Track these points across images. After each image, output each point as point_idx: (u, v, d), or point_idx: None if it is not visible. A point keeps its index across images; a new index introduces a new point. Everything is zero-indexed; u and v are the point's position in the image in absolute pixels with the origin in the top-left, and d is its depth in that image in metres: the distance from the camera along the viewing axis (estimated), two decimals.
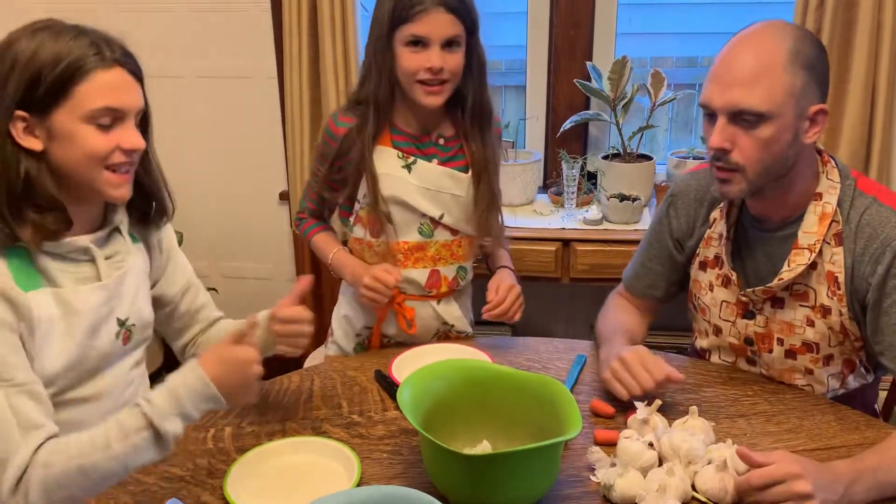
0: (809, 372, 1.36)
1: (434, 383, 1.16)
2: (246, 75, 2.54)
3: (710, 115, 1.25)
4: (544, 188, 2.52)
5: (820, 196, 1.29)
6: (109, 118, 1.06)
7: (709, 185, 1.41)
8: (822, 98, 1.24)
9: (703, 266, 1.44)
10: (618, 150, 2.38)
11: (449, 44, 1.44)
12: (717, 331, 1.44)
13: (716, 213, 1.41)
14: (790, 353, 1.36)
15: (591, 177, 2.43)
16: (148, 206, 1.23)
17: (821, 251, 1.28)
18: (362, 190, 1.54)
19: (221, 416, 1.31)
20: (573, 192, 2.32)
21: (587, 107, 2.46)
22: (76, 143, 1.05)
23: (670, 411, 1.27)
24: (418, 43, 1.43)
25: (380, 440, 1.24)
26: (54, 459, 1.01)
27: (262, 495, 1.10)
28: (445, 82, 1.46)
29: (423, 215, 1.55)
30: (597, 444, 1.21)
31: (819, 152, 1.32)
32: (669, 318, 2.48)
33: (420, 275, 1.58)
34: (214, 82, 2.55)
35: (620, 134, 2.33)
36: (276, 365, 1.48)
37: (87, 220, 1.14)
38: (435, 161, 1.54)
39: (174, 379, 1.07)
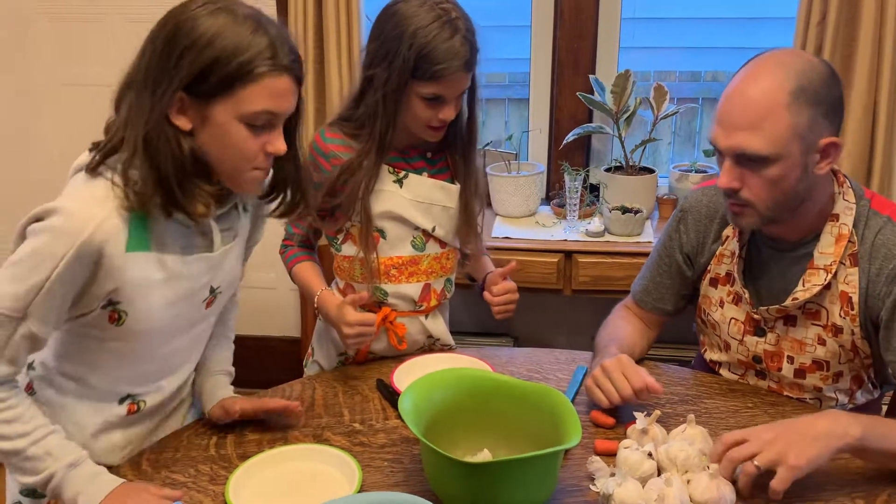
0: (818, 390, 1.37)
1: (435, 392, 1.17)
2: None
3: (720, 154, 1.25)
4: (547, 200, 2.54)
5: (836, 217, 1.28)
6: (264, 121, 1.07)
7: (720, 201, 1.40)
8: (833, 129, 1.22)
9: (714, 283, 1.44)
10: (620, 162, 2.40)
11: (460, 94, 1.47)
12: (727, 347, 1.45)
13: (728, 231, 1.41)
14: (799, 372, 1.36)
15: (594, 189, 2.44)
16: (291, 196, 1.23)
17: (836, 272, 1.28)
18: (355, 210, 1.53)
19: (224, 424, 1.31)
20: (575, 204, 2.33)
21: (590, 119, 2.47)
22: (228, 139, 1.06)
23: (670, 422, 1.28)
24: (436, 99, 1.43)
25: (381, 448, 1.25)
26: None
27: (264, 501, 1.11)
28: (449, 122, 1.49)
29: (416, 228, 1.55)
30: (597, 453, 1.22)
31: (834, 173, 1.31)
32: (670, 331, 2.49)
33: (414, 289, 1.58)
34: None
35: (623, 147, 2.35)
36: (276, 375, 1.50)
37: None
38: (425, 174, 1.55)
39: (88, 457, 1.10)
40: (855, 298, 1.28)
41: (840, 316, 1.29)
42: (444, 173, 1.58)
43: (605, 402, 1.28)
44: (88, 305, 1.09)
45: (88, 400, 1.20)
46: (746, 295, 1.37)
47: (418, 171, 1.55)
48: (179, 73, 1.03)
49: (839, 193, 1.29)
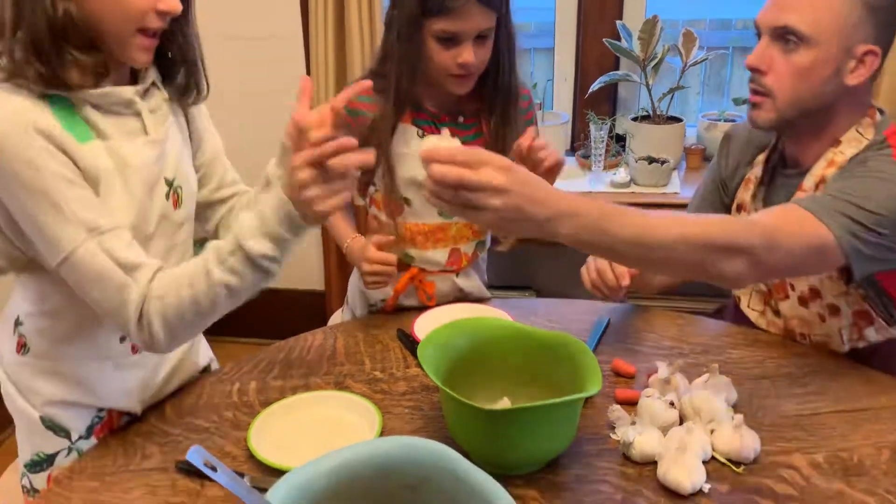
0: (822, 319, 1.35)
1: (455, 341, 1.16)
2: (271, 36, 2.53)
3: (759, 36, 1.24)
4: (572, 150, 2.50)
5: (839, 144, 1.25)
6: None
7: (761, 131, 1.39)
8: (878, 41, 1.19)
9: (739, 209, 1.43)
10: (647, 111, 2.35)
11: (480, 36, 1.37)
12: None
13: (761, 157, 1.40)
14: (802, 301, 1.35)
15: (620, 139, 2.39)
16: (184, 78, 1.16)
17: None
18: (379, 172, 1.50)
19: (246, 372, 1.33)
20: (601, 155, 2.29)
21: (616, 67, 2.41)
22: None
23: (692, 372, 1.26)
24: (450, 38, 1.35)
25: (401, 396, 1.25)
26: (166, 291, 1.02)
27: (285, 446, 1.12)
28: (476, 72, 1.41)
29: None
30: (618, 402, 1.21)
31: (871, 108, 1.27)
32: (691, 283, 2.46)
33: (441, 255, 1.56)
34: (239, 43, 2.55)
35: (650, 95, 2.29)
36: (301, 328, 1.50)
37: (117, 73, 1.08)
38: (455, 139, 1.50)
39: (262, 201, 1.04)
40: None
41: None
42: (476, 140, 1.51)
43: (588, 280, 1.40)
44: None
45: (85, 341, 1.15)
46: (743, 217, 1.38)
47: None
48: None
49: (858, 125, 1.25)
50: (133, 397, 1.22)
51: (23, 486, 1.20)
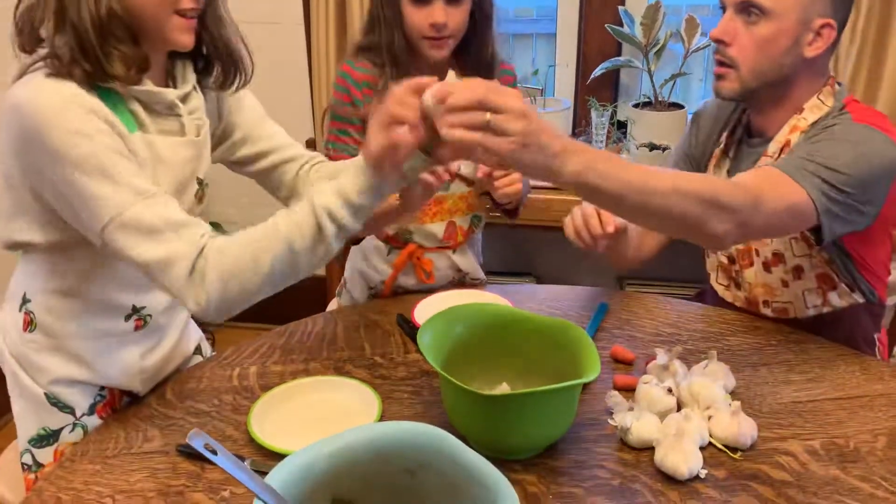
0: (785, 285, 1.38)
1: (454, 326, 1.16)
2: (272, 21, 2.52)
3: (724, 9, 1.30)
4: (573, 136, 2.49)
5: (801, 111, 1.30)
6: None
7: (728, 106, 1.45)
8: (834, 15, 1.25)
9: None
10: (649, 98, 2.34)
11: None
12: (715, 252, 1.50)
13: (727, 133, 1.44)
14: (766, 266, 1.38)
15: (621, 125, 2.39)
16: (222, 68, 1.20)
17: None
18: None
19: (247, 356, 1.33)
20: (602, 141, 2.29)
21: (618, 53, 2.40)
22: None
23: (691, 358, 1.27)
24: None
25: (401, 381, 1.26)
26: (228, 246, 1.02)
27: (285, 430, 1.13)
28: (450, 37, 1.44)
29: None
30: (616, 388, 1.21)
31: (831, 78, 1.33)
32: (690, 270, 2.47)
33: (438, 228, 1.58)
34: (240, 27, 2.54)
35: (652, 81, 2.29)
36: (302, 312, 1.51)
37: (158, 71, 1.13)
38: None
39: (342, 172, 1.05)
40: None
41: None
42: None
43: (571, 228, 1.38)
44: None
45: (91, 316, 1.17)
46: None
47: None
48: None
49: (817, 93, 1.31)
50: (134, 376, 1.23)
51: (23, 464, 1.21)
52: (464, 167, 1.55)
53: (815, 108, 1.30)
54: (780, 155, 1.31)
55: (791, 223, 1.20)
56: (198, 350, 1.39)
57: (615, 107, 2.38)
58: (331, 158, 1.54)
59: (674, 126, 2.27)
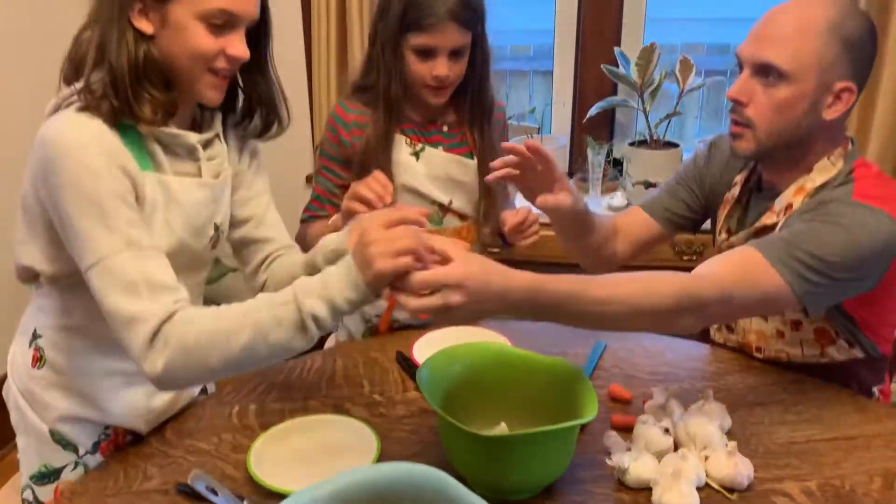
0: (781, 335, 1.37)
1: (453, 365, 1.17)
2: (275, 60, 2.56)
3: (740, 67, 1.27)
4: (570, 174, 2.52)
5: (810, 171, 1.29)
6: (222, 20, 1.06)
7: None
8: (854, 78, 1.22)
9: (720, 231, 1.47)
10: (644, 136, 2.37)
11: (455, 52, 1.45)
12: None
13: (738, 178, 1.44)
14: (763, 315, 1.37)
15: (617, 163, 2.42)
16: (262, 118, 1.24)
17: (784, 219, 1.29)
18: None
19: (246, 394, 1.34)
20: (598, 179, 2.32)
21: (614, 93, 2.45)
22: (186, 37, 1.06)
23: (688, 398, 1.28)
24: (426, 52, 1.44)
25: (400, 420, 1.26)
26: (200, 319, 1.02)
27: (284, 470, 1.13)
28: (450, 86, 1.49)
29: (433, 202, 1.56)
30: (613, 428, 1.22)
31: (845, 139, 1.31)
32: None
33: None
34: None
35: (647, 121, 2.32)
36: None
37: (184, 115, 1.15)
38: (441, 148, 1.56)
39: (330, 269, 1.06)
40: None
41: None
42: (462, 147, 1.59)
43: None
44: None
45: (99, 355, 1.18)
46: (722, 229, 1.41)
47: (434, 145, 1.56)
48: None
49: (830, 155, 1.29)
50: (139, 416, 1.24)
51: (23, 500, 1.21)
52: (455, 201, 1.57)
53: (823, 170, 1.28)
54: (784, 214, 1.29)
55: (768, 310, 1.20)
56: (204, 390, 1.40)
57: (611, 145, 2.41)
58: (314, 191, 1.60)
59: (669, 164, 2.30)
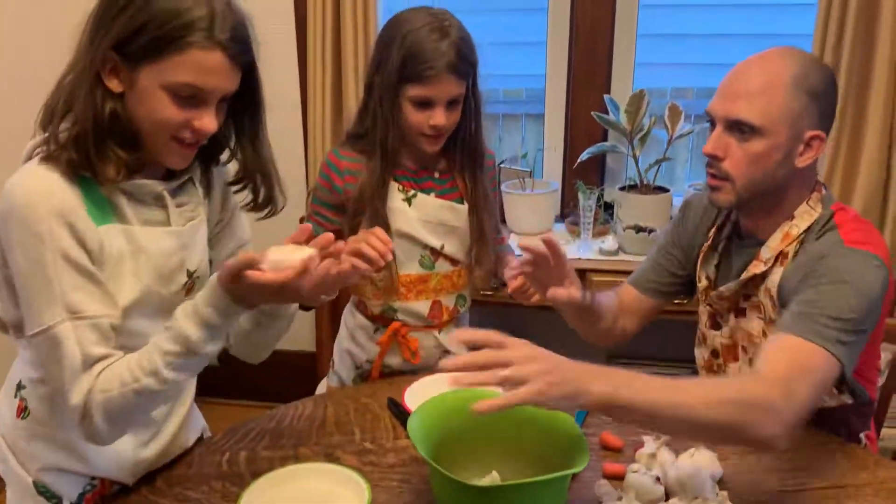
0: None
1: (444, 413, 1.18)
2: (270, 103, 2.59)
3: (712, 123, 1.31)
4: (561, 218, 2.54)
5: (793, 217, 1.32)
6: (188, 93, 1.04)
7: None
8: (821, 125, 1.27)
9: (699, 278, 1.49)
10: (634, 181, 2.40)
11: (451, 102, 1.48)
12: (703, 341, 1.50)
13: (713, 230, 1.46)
14: (752, 363, 1.37)
15: (608, 207, 2.45)
16: (253, 190, 1.23)
17: (772, 268, 1.31)
18: (365, 226, 1.55)
19: (237, 441, 1.33)
20: (590, 223, 2.34)
21: (605, 138, 2.48)
22: (150, 105, 1.04)
23: (679, 446, 1.28)
24: (424, 103, 1.47)
25: (391, 468, 1.26)
26: (110, 385, 1.04)
27: None
28: (445, 134, 1.52)
29: (425, 247, 1.58)
30: (605, 477, 1.22)
31: (817, 183, 1.35)
32: (668, 350, 2.48)
33: (423, 306, 1.61)
34: None
35: (637, 166, 2.35)
36: (290, 389, 1.52)
37: (155, 167, 1.14)
38: (433, 194, 1.58)
39: (197, 294, 1.08)
40: (775, 294, 1.31)
41: (772, 311, 1.32)
42: (453, 193, 1.61)
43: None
44: None
45: None
46: (703, 282, 1.43)
47: (426, 192, 1.58)
48: (112, 31, 1.01)
49: (806, 200, 1.33)
50: (125, 469, 1.22)
51: None
52: (447, 246, 1.59)
53: (804, 215, 1.32)
54: (774, 263, 1.32)
55: (824, 390, 1.19)
56: (199, 440, 1.38)
57: (602, 189, 2.44)
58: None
59: (659, 209, 2.33)
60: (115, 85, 1.04)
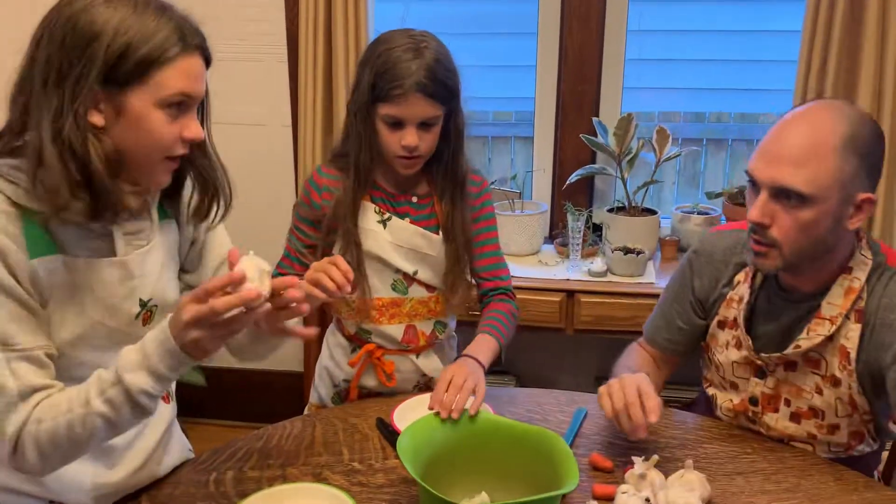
0: (812, 437, 1.36)
1: (434, 433, 1.17)
2: (261, 123, 2.60)
3: (754, 185, 1.24)
4: (550, 239, 2.55)
5: (850, 270, 1.27)
6: (179, 101, 1.04)
7: (735, 246, 1.41)
8: (871, 186, 1.22)
9: (722, 325, 1.44)
10: (623, 203, 2.42)
11: (425, 124, 1.46)
12: (730, 386, 1.44)
13: (740, 276, 1.41)
14: (795, 416, 1.36)
15: (597, 229, 2.46)
16: (200, 200, 1.20)
17: (840, 325, 1.27)
18: (337, 247, 1.56)
19: (224, 460, 1.32)
20: (578, 244, 2.35)
21: (593, 160, 2.50)
22: (145, 127, 1.03)
23: (668, 466, 1.28)
24: (395, 123, 1.45)
25: (379, 489, 1.25)
26: (44, 416, 1.03)
27: None
28: (420, 156, 1.50)
29: (397, 271, 1.57)
30: (595, 498, 1.21)
31: (860, 230, 1.31)
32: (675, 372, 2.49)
33: (396, 330, 1.60)
34: (230, 128, 2.62)
35: (626, 188, 2.37)
36: (278, 409, 1.50)
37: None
38: (408, 219, 1.57)
39: (148, 334, 1.04)
40: (853, 355, 1.27)
41: (839, 368, 1.29)
42: (430, 219, 1.59)
43: (609, 411, 1.25)
44: None
45: None
46: (749, 342, 1.38)
47: (402, 216, 1.57)
48: (94, 66, 0.99)
49: (858, 248, 1.28)
50: (83, 492, 1.19)
51: None
52: (421, 272, 1.58)
53: (861, 265, 1.27)
54: (844, 319, 1.26)
55: None
56: (184, 464, 1.35)
57: (590, 211, 2.46)
58: (285, 249, 1.61)
59: (647, 231, 2.34)
60: (96, 119, 1.02)
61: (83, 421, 1.02)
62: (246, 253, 1.07)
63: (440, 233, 1.58)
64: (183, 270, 1.30)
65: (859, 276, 1.26)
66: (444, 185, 1.57)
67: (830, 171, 1.17)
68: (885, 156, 1.25)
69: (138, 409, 1.03)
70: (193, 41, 1.06)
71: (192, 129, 1.08)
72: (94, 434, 1.04)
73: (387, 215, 1.56)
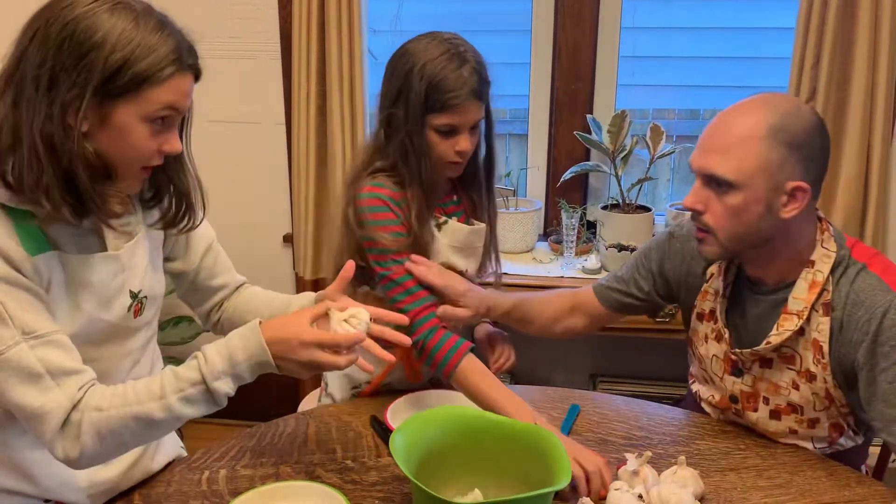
0: (794, 432, 1.36)
1: (427, 431, 1.17)
2: (255, 121, 2.60)
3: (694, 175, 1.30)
4: (544, 236, 2.55)
5: (812, 264, 1.29)
6: (165, 115, 1.05)
7: None
8: (808, 176, 1.23)
9: (700, 318, 1.45)
10: (617, 200, 2.42)
11: (473, 126, 1.48)
12: (709, 381, 1.46)
13: (713, 269, 1.43)
14: (775, 414, 1.36)
15: (591, 226, 2.46)
16: (172, 206, 1.20)
17: (809, 318, 1.28)
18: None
19: (216, 459, 1.32)
20: (572, 241, 2.35)
21: (587, 158, 2.50)
22: (128, 139, 1.03)
23: (661, 463, 1.28)
24: (450, 131, 1.45)
25: (372, 486, 1.25)
26: (108, 404, 1.03)
27: None
28: (467, 158, 1.51)
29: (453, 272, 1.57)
30: (587, 495, 1.22)
31: (820, 220, 1.32)
32: (663, 368, 2.49)
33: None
34: (224, 126, 2.61)
35: (619, 185, 2.37)
36: (273, 408, 1.50)
37: None
38: (454, 219, 1.57)
39: (234, 339, 1.09)
40: (825, 348, 1.27)
41: (813, 363, 1.29)
42: (462, 214, 1.61)
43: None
44: None
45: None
46: (727, 335, 1.38)
47: (450, 216, 1.57)
48: (90, 76, 0.98)
49: (819, 241, 1.30)
50: (77, 490, 1.19)
51: None
52: (469, 268, 1.59)
53: (824, 258, 1.28)
54: (809, 313, 1.27)
55: None
56: (176, 459, 1.35)
57: (584, 208, 2.46)
58: (402, 286, 1.48)
59: (641, 228, 2.34)
60: (84, 126, 1.02)
61: (153, 413, 1.04)
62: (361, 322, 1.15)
63: (474, 222, 1.60)
64: (168, 259, 1.31)
65: (822, 270, 1.28)
66: (479, 176, 1.59)
67: (755, 159, 1.21)
68: (826, 147, 1.27)
69: (213, 406, 1.08)
70: (189, 60, 1.06)
71: (172, 143, 1.09)
72: (161, 426, 1.06)
73: (442, 219, 1.55)
